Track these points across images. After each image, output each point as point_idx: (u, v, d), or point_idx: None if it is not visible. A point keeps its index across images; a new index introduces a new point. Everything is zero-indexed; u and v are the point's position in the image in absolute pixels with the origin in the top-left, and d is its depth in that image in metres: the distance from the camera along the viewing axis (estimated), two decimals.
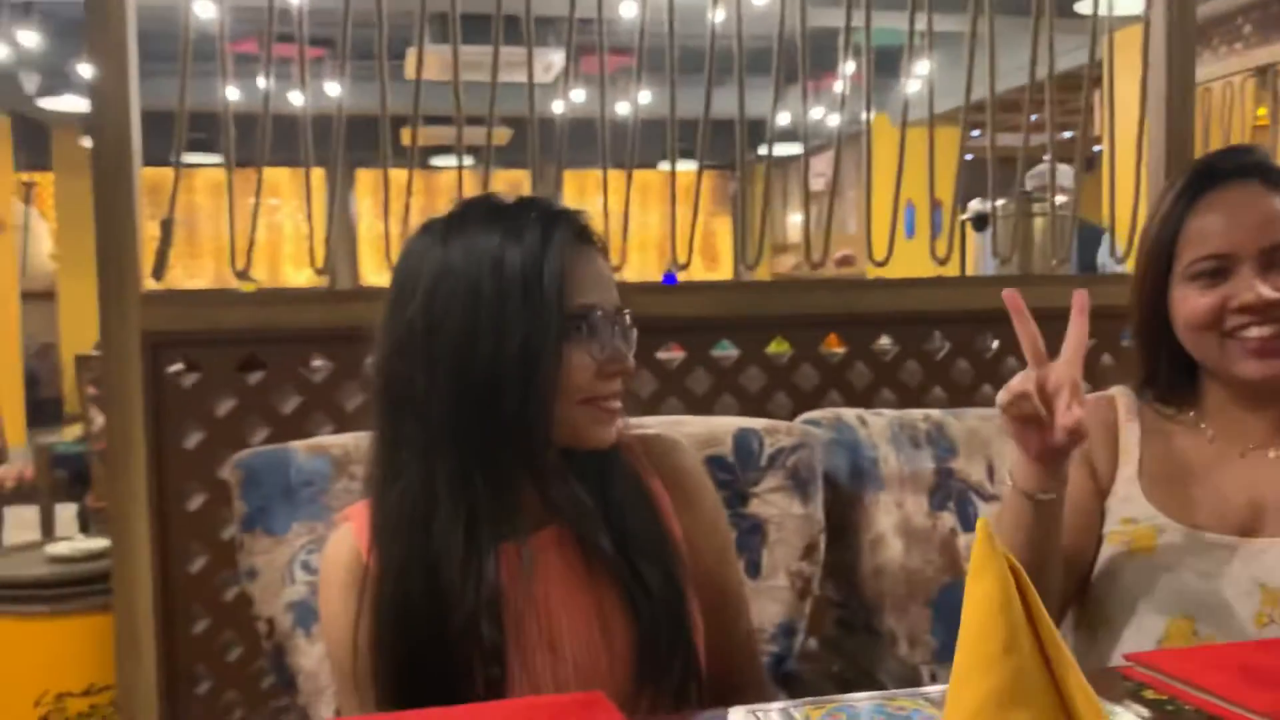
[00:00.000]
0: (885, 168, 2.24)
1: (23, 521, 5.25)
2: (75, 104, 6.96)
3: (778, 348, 2.15)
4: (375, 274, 9.02)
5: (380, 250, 2.13)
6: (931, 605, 1.45)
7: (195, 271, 9.78)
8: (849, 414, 1.52)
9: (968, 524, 1.50)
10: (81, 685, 2.02)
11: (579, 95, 5.65)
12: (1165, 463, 1.24)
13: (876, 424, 1.51)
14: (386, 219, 2.11)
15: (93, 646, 2.02)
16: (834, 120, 2.30)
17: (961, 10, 2.23)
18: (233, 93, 2.07)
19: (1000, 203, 2.56)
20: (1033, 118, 2.32)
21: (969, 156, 2.33)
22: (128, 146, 1.85)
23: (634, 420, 1.45)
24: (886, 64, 2.65)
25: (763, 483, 1.41)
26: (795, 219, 10.16)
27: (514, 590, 0.99)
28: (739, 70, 2.15)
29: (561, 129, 2.12)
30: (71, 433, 4.92)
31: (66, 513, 4.75)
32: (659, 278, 3.42)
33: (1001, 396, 1.05)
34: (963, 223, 3.58)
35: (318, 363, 1.99)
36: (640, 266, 10.17)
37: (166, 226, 2.04)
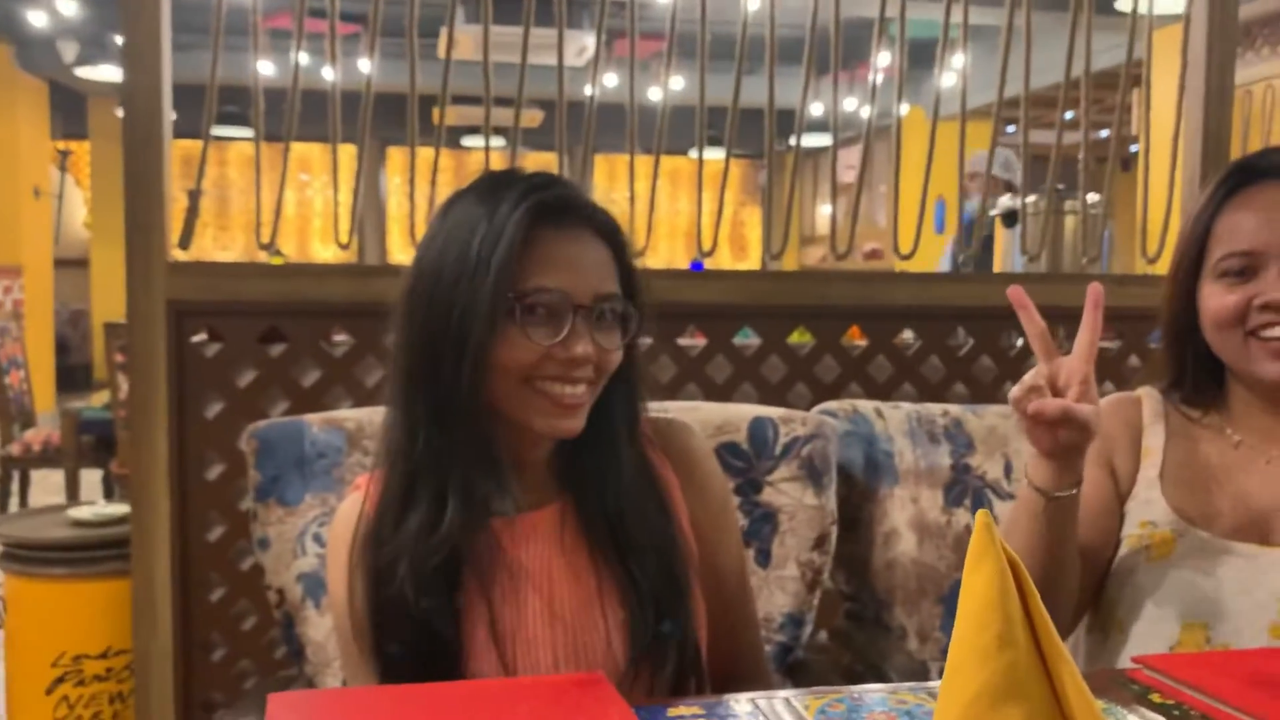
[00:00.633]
0: (917, 162, 2.22)
1: (50, 485, 5.34)
2: (113, 74, 7.01)
3: (800, 337, 2.14)
4: (403, 251, 9.07)
5: (408, 228, 2.14)
6: (943, 601, 1.45)
7: (225, 244, 9.86)
8: (866, 406, 1.51)
9: None
10: (99, 648, 2.04)
11: (611, 80, 5.65)
12: (1188, 466, 1.22)
13: (894, 417, 1.50)
14: (412, 196, 2.12)
15: (112, 610, 2.04)
16: (866, 112, 2.28)
17: (999, 4, 2.20)
18: (266, 67, 2.08)
19: (1031, 199, 2.54)
20: (1068, 115, 2.29)
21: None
22: (159, 117, 1.86)
23: (652, 405, 1.46)
24: (922, 56, 2.62)
25: (776, 471, 1.40)
26: (825, 210, 10.10)
27: (506, 562, 1.00)
28: (770, 59, 2.13)
29: (590, 112, 2.12)
30: (100, 399, 4.97)
31: (92, 478, 4.82)
32: (687, 264, 3.42)
33: (1014, 391, 1.04)
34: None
35: (339, 337, 2.00)
36: (669, 253, 10.16)
37: (194, 197, 2.06)
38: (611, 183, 10.28)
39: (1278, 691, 0.87)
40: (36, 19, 7.12)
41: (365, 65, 2.04)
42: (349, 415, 1.38)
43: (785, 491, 1.40)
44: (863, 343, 2.14)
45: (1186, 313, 1.22)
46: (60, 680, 2.03)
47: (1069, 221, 2.93)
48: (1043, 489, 1.07)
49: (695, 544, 1.08)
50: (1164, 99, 2.27)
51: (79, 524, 2.14)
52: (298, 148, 2.05)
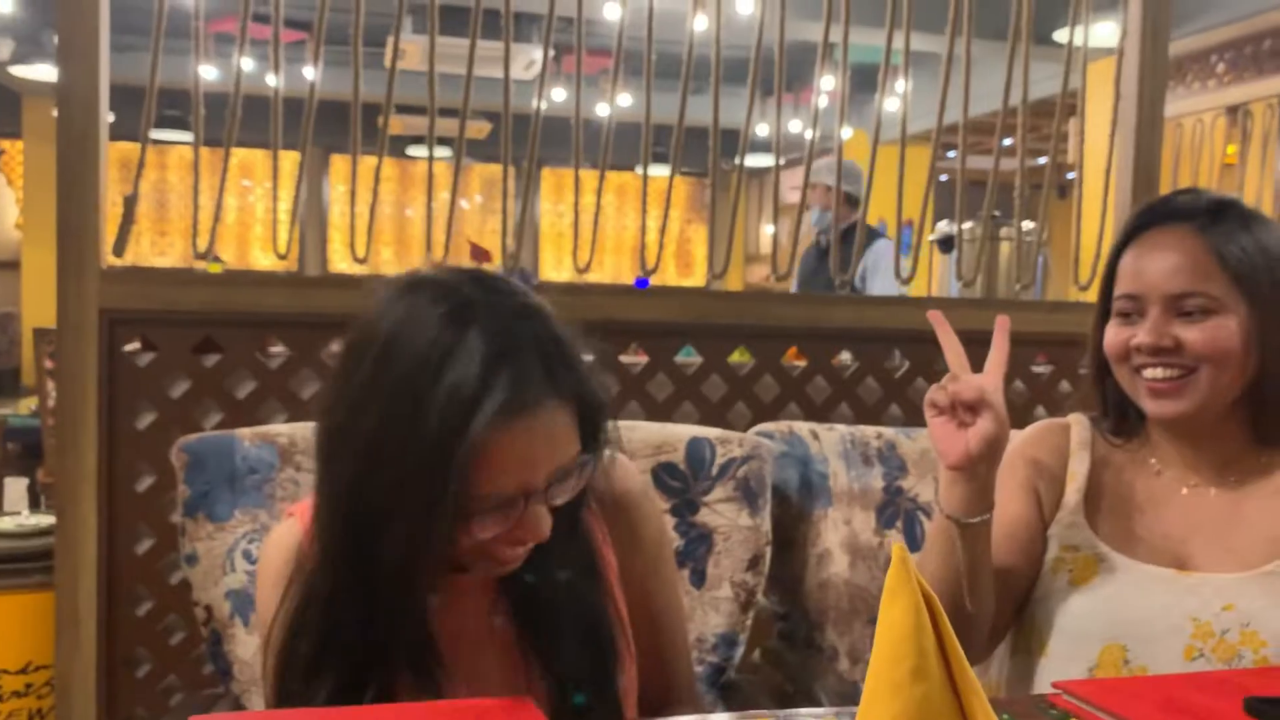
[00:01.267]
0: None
1: None
2: (48, 73, 6.87)
3: (740, 357, 2.16)
4: (344, 261, 8.97)
5: (350, 238, 2.12)
6: (874, 623, 1.46)
7: (164, 249, 9.67)
8: (802, 427, 1.53)
9: (914, 543, 1.51)
10: (18, 663, 1.99)
11: (560, 94, 5.66)
12: (1112, 493, 1.26)
13: (829, 439, 1.52)
14: (354, 205, 2.10)
15: (33, 625, 1.99)
16: (810, 134, 2.31)
17: (941, 32, 2.24)
18: (209, 71, 2.05)
19: (967, 226, 2.58)
20: (1006, 142, 2.34)
21: (944, 178, 2.34)
22: (95, 117, 1.82)
23: None
24: (866, 81, 2.66)
25: (712, 492, 1.41)
26: (769, 230, 10.19)
27: (432, 628, 0.96)
28: (715, 79, 2.15)
29: (535, 125, 2.12)
30: (27, 405, 4.84)
31: (18, 487, 4.68)
32: (633, 280, 3.43)
33: (930, 392, 1.09)
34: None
35: (276, 348, 1.97)
36: (615, 269, 10.17)
37: (130, 202, 2.02)
38: (559, 195, 10.28)
39: (1188, 715, 0.89)
40: None
41: (310, 72, 2.02)
42: (282, 430, 1.36)
43: (721, 512, 1.40)
44: (802, 363, 2.17)
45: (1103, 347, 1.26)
46: None
47: (1004, 248, 2.99)
48: (955, 516, 1.10)
49: (626, 592, 1.06)
50: (1098, 129, 2.33)
51: (2, 535, 2.08)
52: (240, 154, 2.03)
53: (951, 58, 2.24)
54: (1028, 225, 2.52)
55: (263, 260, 9.60)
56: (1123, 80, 2.30)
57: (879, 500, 1.51)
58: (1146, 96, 2.28)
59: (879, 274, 3.72)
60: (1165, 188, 2.58)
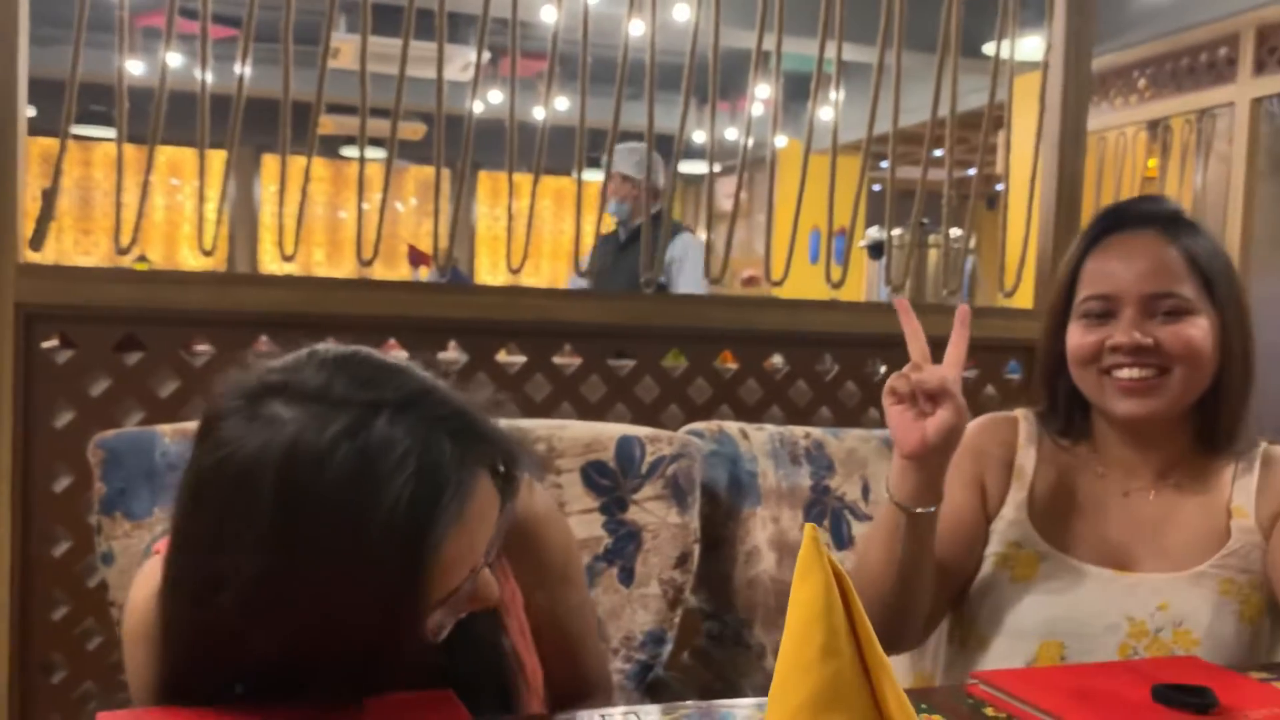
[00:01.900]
0: (793, 192, 2.28)
1: None
2: None
3: (674, 360, 2.17)
4: (274, 261, 8.83)
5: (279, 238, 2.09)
6: None
7: (88, 248, 9.43)
8: (731, 427, 1.54)
9: (841, 541, 1.53)
10: None
11: (496, 96, 5.64)
12: (1056, 493, 1.28)
13: (758, 438, 1.53)
14: (282, 205, 2.08)
15: None
16: (744, 141, 2.33)
17: (873, 43, 2.28)
18: (138, 67, 2.01)
19: (896, 232, 2.63)
20: (936, 153, 2.39)
21: (876, 187, 2.38)
22: (12, 110, 1.78)
23: (523, 423, 1.46)
24: (801, 90, 2.70)
25: (642, 490, 1.41)
26: (704, 236, 10.23)
27: None
28: (649, 85, 2.17)
29: (468, 128, 2.11)
30: None
31: None
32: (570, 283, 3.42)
33: (890, 380, 1.10)
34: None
35: (201, 347, 1.94)
36: (552, 272, 10.15)
37: (48, 196, 1.97)
38: (495, 199, 10.23)
39: (1099, 704, 0.92)
40: None
41: (239, 68, 1.99)
42: None
43: (650, 510, 1.41)
44: (734, 366, 2.19)
45: (1057, 350, 1.28)
46: None
47: (932, 254, 3.05)
48: (904, 504, 1.11)
49: (533, 603, 1.03)
50: (1024, 141, 2.38)
51: None
52: (170, 152, 2.00)
53: (882, 68, 2.28)
54: (955, 232, 2.57)
55: (192, 261, 9.40)
56: (1047, 94, 2.36)
57: (807, 499, 1.52)
58: (1070, 110, 2.34)
59: (685, 270, 3.62)
60: (1088, 199, 2.66)
